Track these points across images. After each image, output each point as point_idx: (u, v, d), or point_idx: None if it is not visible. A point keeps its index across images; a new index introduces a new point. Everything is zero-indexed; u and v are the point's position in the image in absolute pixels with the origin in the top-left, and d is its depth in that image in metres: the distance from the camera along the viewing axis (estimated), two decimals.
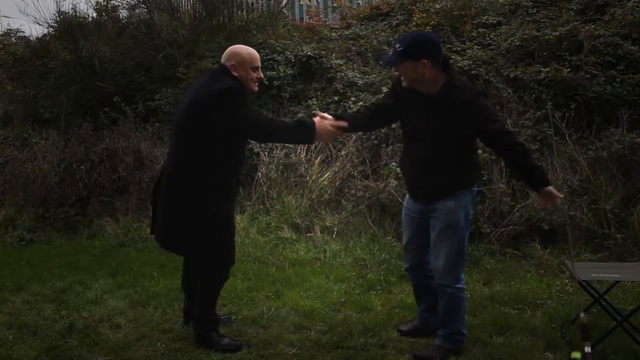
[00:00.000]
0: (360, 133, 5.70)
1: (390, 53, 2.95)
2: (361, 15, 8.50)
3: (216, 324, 3.24)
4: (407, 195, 3.21)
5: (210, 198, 3.00)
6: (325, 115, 3.11)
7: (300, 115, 6.15)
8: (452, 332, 3.01)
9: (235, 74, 3.03)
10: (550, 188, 2.74)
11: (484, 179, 5.01)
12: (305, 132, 3.04)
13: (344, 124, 3.06)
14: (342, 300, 3.88)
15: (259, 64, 3.14)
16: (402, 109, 3.02)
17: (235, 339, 3.21)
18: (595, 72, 5.72)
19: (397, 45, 2.82)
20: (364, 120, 3.26)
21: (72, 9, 10.06)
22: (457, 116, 2.77)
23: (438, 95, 2.83)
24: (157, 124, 6.60)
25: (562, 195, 2.84)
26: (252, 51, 3.14)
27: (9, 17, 13.07)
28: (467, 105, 2.77)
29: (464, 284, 3.01)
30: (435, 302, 3.10)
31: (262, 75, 3.17)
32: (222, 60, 3.10)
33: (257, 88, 3.15)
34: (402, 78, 2.93)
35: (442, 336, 3.02)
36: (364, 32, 7.44)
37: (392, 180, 5.16)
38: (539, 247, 4.57)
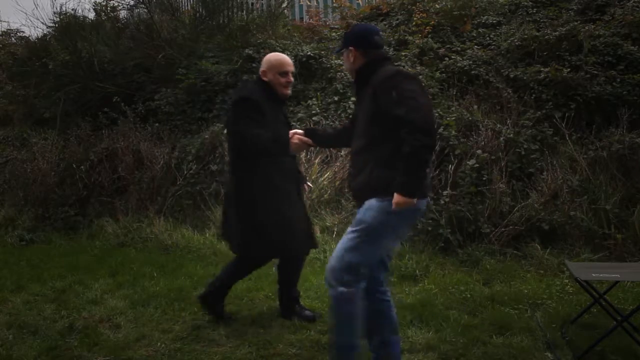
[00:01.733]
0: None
1: None
2: (361, 15, 8.50)
3: None
4: None
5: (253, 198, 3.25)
6: (297, 130, 3.08)
7: (300, 115, 6.15)
8: (339, 344, 2.56)
9: (265, 79, 3.31)
10: (403, 200, 2.37)
11: (484, 179, 5.01)
12: (280, 146, 3.03)
13: (308, 140, 2.97)
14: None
15: (288, 68, 3.31)
16: None
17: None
18: (595, 72, 5.72)
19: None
20: (331, 137, 3.21)
21: (71, 9, 10.07)
22: (374, 100, 2.51)
23: (359, 81, 2.72)
24: (157, 124, 6.60)
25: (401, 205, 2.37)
26: (282, 57, 3.36)
27: (8, 21, 13.06)
28: (379, 87, 2.50)
29: (354, 295, 2.48)
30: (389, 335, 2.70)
31: (292, 79, 3.34)
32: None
33: (288, 92, 3.35)
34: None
35: (330, 346, 2.64)
36: None
37: None
38: (539, 247, 4.57)
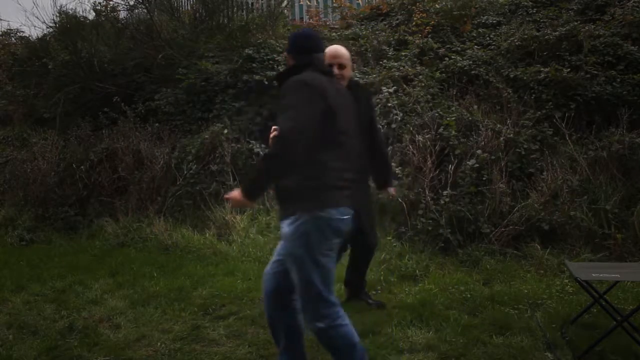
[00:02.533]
0: None
1: None
2: (361, 15, 8.49)
3: None
4: None
5: None
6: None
7: None
8: None
9: None
10: (237, 197, 2.33)
11: (484, 179, 5.01)
12: None
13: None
14: (342, 300, 3.87)
15: (335, 60, 3.27)
16: None
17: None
18: (595, 72, 5.72)
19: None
20: None
21: (71, 9, 10.07)
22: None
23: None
24: (157, 124, 6.60)
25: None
26: (332, 48, 3.34)
27: (8, 21, 13.06)
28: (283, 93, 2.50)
29: (335, 320, 2.48)
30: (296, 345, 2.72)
31: (337, 71, 3.25)
32: None
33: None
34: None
35: None
36: (364, 32, 7.43)
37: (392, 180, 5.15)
38: (539, 247, 4.57)
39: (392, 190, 3.75)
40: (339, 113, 2.39)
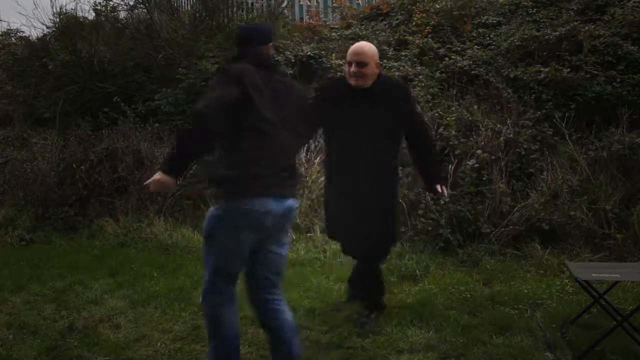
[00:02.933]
0: None
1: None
2: (361, 15, 8.49)
3: None
4: None
5: None
6: None
7: None
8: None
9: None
10: (157, 177, 2.36)
11: (484, 179, 5.01)
12: None
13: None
14: (342, 300, 3.87)
15: (354, 58, 3.23)
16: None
17: None
18: (595, 72, 5.72)
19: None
20: None
21: (71, 9, 10.08)
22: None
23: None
24: (157, 124, 6.60)
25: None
26: (354, 46, 3.32)
27: (8, 21, 13.04)
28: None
29: (215, 304, 2.54)
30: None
31: (355, 69, 3.20)
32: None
33: (353, 82, 3.24)
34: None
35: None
36: (364, 32, 7.43)
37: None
38: (539, 247, 4.57)
39: (440, 188, 3.37)
40: (260, 102, 2.40)
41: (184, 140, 2.40)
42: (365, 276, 3.55)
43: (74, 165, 6.36)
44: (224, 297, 2.53)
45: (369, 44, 3.36)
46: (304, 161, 5.69)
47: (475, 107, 5.77)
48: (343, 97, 3.29)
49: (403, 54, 6.55)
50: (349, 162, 3.27)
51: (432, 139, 3.74)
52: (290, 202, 2.53)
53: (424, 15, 7.31)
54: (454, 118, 5.48)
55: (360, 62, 3.20)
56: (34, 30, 23.52)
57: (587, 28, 6.08)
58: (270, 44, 2.65)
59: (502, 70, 6.09)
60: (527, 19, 7.04)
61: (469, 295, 3.83)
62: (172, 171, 2.36)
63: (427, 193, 4.76)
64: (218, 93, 2.34)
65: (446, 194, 3.51)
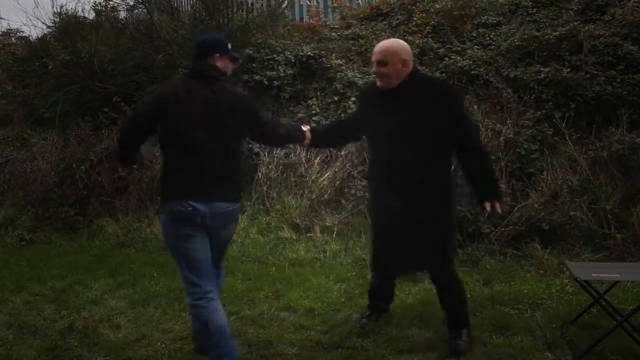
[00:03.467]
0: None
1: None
2: (361, 15, 8.49)
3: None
4: None
5: None
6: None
7: (300, 115, 6.15)
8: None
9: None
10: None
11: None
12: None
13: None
14: (342, 300, 3.88)
15: (374, 57, 3.04)
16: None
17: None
18: (595, 72, 5.72)
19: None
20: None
21: (71, 9, 10.08)
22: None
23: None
24: None
25: None
26: (378, 44, 3.10)
27: (8, 20, 13.04)
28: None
29: (197, 301, 2.66)
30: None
31: (374, 69, 3.04)
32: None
33: (378, 82, 3.08)
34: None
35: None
36: (364, 32, 7.44)
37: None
38: (539, 247, 4.57)
39: (490, 206, 2.96)
40: (182, 117, 2.63)
41: (118, 142, 2.97)
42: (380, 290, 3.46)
43: (74, 165, 6.36)
44: (203, 298, 2.67)
45: (394, 40, 3.13)
46: (304, 161, 5.69)
47: (475, 107, 5.76)
48: (374, 101, 3.15)
49: None
50: (379, 170, 3.12)
51: (481, 149, 3.17)
52: (225, 205, 2.71)
53: (424, 15, 7.31)
54: None
55: (380, 61, 2.99)
56: (34, 30, 23.54)
57: (587, 28, 6.08)
58: (217, 55, 2.75)
59: (502, 70, 6.09)
60: (527, 19, 7.04)
61: (469, 295, 3.81)
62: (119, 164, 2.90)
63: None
64: (136, 113, 3.01)
65: (498, 210, 3.02)
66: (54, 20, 8.09)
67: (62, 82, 7.34)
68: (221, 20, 7.40)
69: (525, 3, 7.40)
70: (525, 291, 3.90)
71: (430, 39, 6.80)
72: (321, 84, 6.59)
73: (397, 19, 7.78)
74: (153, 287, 4.20)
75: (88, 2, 22.02)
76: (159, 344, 3.24)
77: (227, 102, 2.73)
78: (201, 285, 2.66)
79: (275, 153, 5.80)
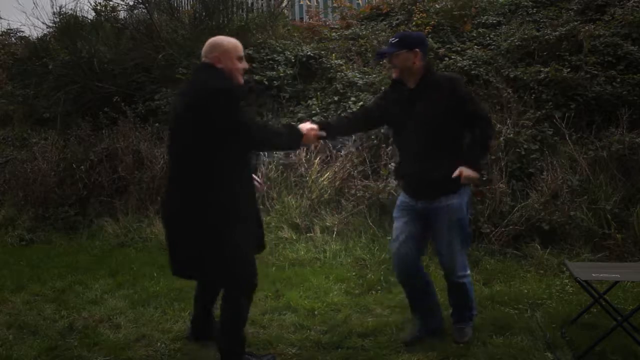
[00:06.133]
0: (359, 133, 5.71)
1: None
2: (361, 15, 8.49)
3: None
4: (402, 193, 3.22)
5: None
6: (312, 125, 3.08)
7: (300, 115, 6.16)
8: (469, 315, 3.25)
9: (220, 65, 2.80)
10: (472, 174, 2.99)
11: (484, 179, 5.01)
12: (294, 138, 2.98)
13: (323, 134, 3.09)
14: (342, 300, 3.88)
15: (243, 53, 2.91)
16: (394, 111, 3.11)
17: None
18: (595, 72, 5.72)
19: (392, 39, 3.05)
20: (345, 126, 3.37)
21: (71, 9, 10.07)
22: (442, 101, 2.93)
23: (420, 86, 3.01)
24: (157, 124, 6.60)
25: None
26: (235, 40, 2.91)
27: (8, 19, 13.00)
28: (448, 89, 2.96)
29: (469, 273, 3.22)
30: (431, 302, 3.25)
31: (247, 65, 2.94)
32: (203, 55, 2.87)
33: (242, 80, 2.92)
34: (393, 70, 3.11)
35: (467, 318, 3.24)
36: (364, 32, 7.44)
37: (392, 180, 5.16)
38: (539, 247, 4.57)
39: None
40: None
41: None
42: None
43: (74, 165, 6.36)
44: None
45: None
46: (304, 161, 5.69)
47: None
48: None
49: None
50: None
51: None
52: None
53: (424, 15, 7.31)
54: None
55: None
56: (34, 30, 23.52)
57: (587, 28, 6.07)
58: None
59: (502, 70, 6.09)
60: (527, 19, 7.04)
61: None
62: None
63: None
64: None
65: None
66: (53, 20, 8.09)
67: (62, 82, 7.34)
68: (221, 20, 7.41)
69: (525, 3, 7.40)
70: (525, 291, 3.91)
71: (430, 39, 6.80)
72: (321, 84, 6.59)
73: (397, 19, 7.78)
74: (153, 287, 4.20)
75: (88, 2, 22.04)
76: (159, 344, 3.24)
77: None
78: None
79: (275, 153, 5.80)
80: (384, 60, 4.30)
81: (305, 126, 3.01)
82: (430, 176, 2.96)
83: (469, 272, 3.19)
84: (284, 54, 6.75)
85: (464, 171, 2.90)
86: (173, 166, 2.95)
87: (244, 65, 2.90)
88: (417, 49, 2.96)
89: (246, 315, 2.93)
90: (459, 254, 3.09)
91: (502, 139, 5.24)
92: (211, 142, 2.68)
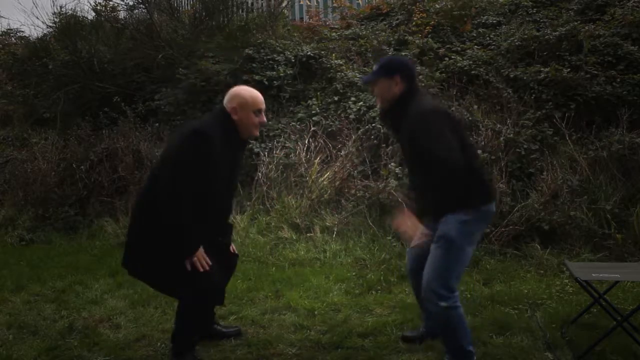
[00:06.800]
0: (359, 133, 5.72)
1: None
2: (361, 15, 8.49)
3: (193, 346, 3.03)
4: None
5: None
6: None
7: (300, 115, 6.16)
8: (453, 352, 2.76)
9: (235, 117, 2.89)
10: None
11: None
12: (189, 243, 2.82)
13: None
14: (342, 300, 3.88)
15: (263, 106, 2.97)
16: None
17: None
18: (595, 72, 5.73)
19: (375, 66, 2.92)
20: None
21: (71, 9, 10.07)
22: (410, 131, 2.67)
23: (396, 113, 2.81)
24: (157, 124, 6.60)
25: None
26: (256, 93, 2.97)
27: (8, 19, 12.97)
28: (409, 121, 2.68)
29: (456, 302, 2.69)
30: None
31: (265, 119, 2.99)
32: (225, 101, 2.96)
33: (257, 132, 3.02)
34: (377, 101, 2.99)
35: (448, 355, 2.81)
36: (364, 32, 7.44)
37: (392, 180, 5.16)
38: (539, 247, 4.57)
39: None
40: None
41: None
42: None
43: (74, 165, 6.36)
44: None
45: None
46: (304, 161, 5.69)
47: (475, 107, 5.77)
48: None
49: (403, 54, 6.55)
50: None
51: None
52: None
53: (424, 15, 7.31)
54: None
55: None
56: (34, 30, 23.52)
57: (587, 28, 6.08)
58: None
59: (502, 70, 6.09)
60: (527, 19, 7.04)
61: (469, 295, 3.84)
62: None
63: None
64: None
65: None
66: (53, 20, 8.10)
67: (62, 82, 7.34)
68: (221, 20, 7.41)
69: (525, 3, 7.40)
70: (525, 291, 3.91)
71: (430, 39, 6.80)
72: (321, 84, 6.59)
73: (397, 19, 7.78)
74: None
75: (88, 2, 22.03)
76: (159, 344, 3.24)
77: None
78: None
79: (275, 153, 5.80)
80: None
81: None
82: (421, 203, 2.89)
83: (449, 303, 2.66)
84: (284, 54, 6.75)
85: (403, 222, 2.69)
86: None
87: (262, 119, 2.95)
88: (397, 75, 2.76)
89: (197, 323, 3.00)
90: (437, 273, 2.69)
91: (502, 139, 5.24)
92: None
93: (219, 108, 3.00)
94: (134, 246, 2.93)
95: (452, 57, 6.39)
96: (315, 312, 3.64)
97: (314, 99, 6.35)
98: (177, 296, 3.02)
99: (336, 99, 6.24)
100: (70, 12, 7.97)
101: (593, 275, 3.12)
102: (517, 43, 6.29)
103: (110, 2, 8.30)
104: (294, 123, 6.08)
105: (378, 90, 2.86)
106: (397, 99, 2.79)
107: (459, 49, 6.64)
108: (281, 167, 5.72)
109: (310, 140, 5.83)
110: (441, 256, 2.70)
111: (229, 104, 2.91)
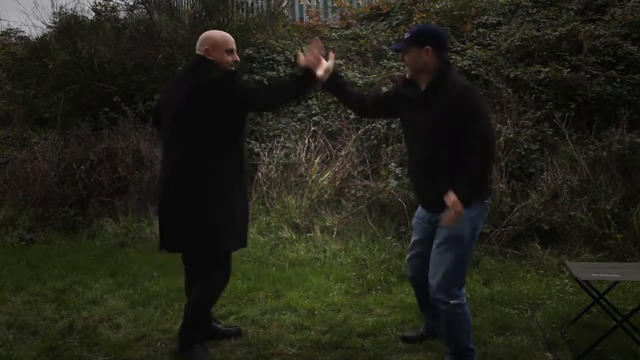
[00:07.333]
0: (359, 133, 5.71)
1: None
2: (361, 15, 8.49)
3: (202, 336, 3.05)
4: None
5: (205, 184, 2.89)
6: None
7: (300, 115, 6.15)
8: (458, 351, 2.80)
9: (210, 57, 2.92)
10: (457, 207, 2.52)
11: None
12: (301, 79, 2.90)
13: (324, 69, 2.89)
14: (342, 300, 3.88)
15: (234, 46, 2.99)
16: (403, 109, 2.89)
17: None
18: (595, 72, 5.72)
19: (406, 34, 2.79)
20: (350, 90, 3.20)
21: (71, 9, 10.06)
22: (452, 110, 2.57)
23: (429, 90, 2.70)
24: None
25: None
26: (226, 34, 3.02)
27: (8, 19, 12.98)
28: (458, 99, 2.58)
29: (464, 299, 2.74)
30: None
31: (237, 58, 3.00)
32: (197, 47, 2.98)
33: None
34: (406, 69, 2.87)
35: (450, 355, 2.83)
36: (364, 32, 7.44)
37: (392, 180, 5.16)
38: (539, 247, 4.57)
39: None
40: None
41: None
42: None
43: (74, 165, 6.36)
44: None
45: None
46: (304, 161, 5.69)
47: None
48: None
49: None
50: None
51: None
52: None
53: (424, 15, 7.31)
54: None
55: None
56: (34, 30, 23.51)
57: (587, 28, 6.08)
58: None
59: (502, 70, 6.09)
60: (527, 19, 7.04)
61: (469, 295, 3.80)
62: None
63: None
64: None
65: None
66: (53, 20, 8.09)
67: (62, 82, 7.34)
68: (221, 20, 7.40)
69: (525, 3, 7.40)
70: (525, 291, 3.91)
71: None
72: None
73: (397, 19, 7.78)
74: (153, 287, 4.20)
75: (88, 2, 22.02)
76: (159, 344, 3.24)
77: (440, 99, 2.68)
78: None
79: (275, 153, 5.80)
80: (386, 60, 3.88)
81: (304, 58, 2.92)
82: (428, 189, 2.77)
83: (459, 300, 2.72)
84: (284, 54, 6.75)
85: (451, 197, 2.53)
86: (167, 147, 3.04)
87: (234, 57, 2.98)
88: (429, 46, 2.64)
89: (214, 297, 3.11)
90: (448, 272, 2.68)
91: (502, 139, 5.24)
92: (212, 123, 2.84)
93: (194, 58, 3.03)
94: (168, 214, 3.04)
95: (452, 57, 6.38)
96: (315, 312, 3.64)
97: (314, 99, 6.34)
98: (201, 273, 3.06)
99: (336, 99, 6.23)
100: (70, 12, 7.95)
101: (593, 275, 3.12)
102: (517, 43, 6.29)
103: (110, 2, 8.30)
104: (293, 123, 6.08)
105: (408, 59, 2.74)
106: (430, 70, 2.69)
107: (459, 49, 6.64)
108: (281, 167, 5.72)
109: (310, 140, 5.82)
110: (452, 257, 2.69)
111: (202, 46, 2.94)
